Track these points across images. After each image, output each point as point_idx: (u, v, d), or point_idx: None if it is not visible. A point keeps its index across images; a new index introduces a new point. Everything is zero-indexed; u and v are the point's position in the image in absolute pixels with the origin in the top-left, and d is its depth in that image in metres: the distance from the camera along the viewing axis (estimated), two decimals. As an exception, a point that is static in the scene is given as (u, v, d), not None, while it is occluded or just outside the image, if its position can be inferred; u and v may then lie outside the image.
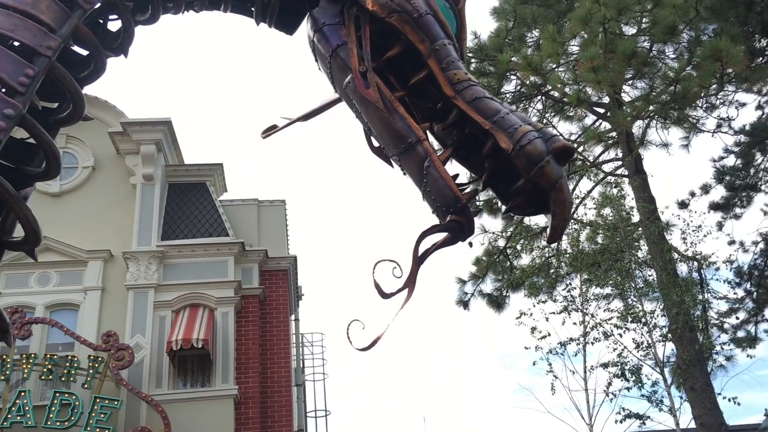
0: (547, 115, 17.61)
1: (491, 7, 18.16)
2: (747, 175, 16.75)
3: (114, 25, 2.78)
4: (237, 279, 13.98)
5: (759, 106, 18.23)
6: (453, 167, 2.58)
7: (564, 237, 17.03)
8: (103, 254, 14.03)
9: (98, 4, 2.41)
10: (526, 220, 17.42)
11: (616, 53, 14.14)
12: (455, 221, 2.38)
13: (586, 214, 16.14)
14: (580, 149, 17.04)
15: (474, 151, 2.52)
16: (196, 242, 14.29)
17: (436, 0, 2.69)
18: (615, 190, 15.91)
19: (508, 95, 17.30)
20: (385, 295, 2.43)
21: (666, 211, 15.76)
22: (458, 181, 2.49)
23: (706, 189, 17.07)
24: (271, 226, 15.55)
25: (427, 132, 2.60)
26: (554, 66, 16.38)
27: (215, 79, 62.17)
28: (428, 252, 2.45)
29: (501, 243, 17.71)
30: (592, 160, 17.27)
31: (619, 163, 17.12)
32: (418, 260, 2.42)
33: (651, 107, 15.30)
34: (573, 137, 17.62)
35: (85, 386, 12.17)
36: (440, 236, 2.46)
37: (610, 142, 17.52)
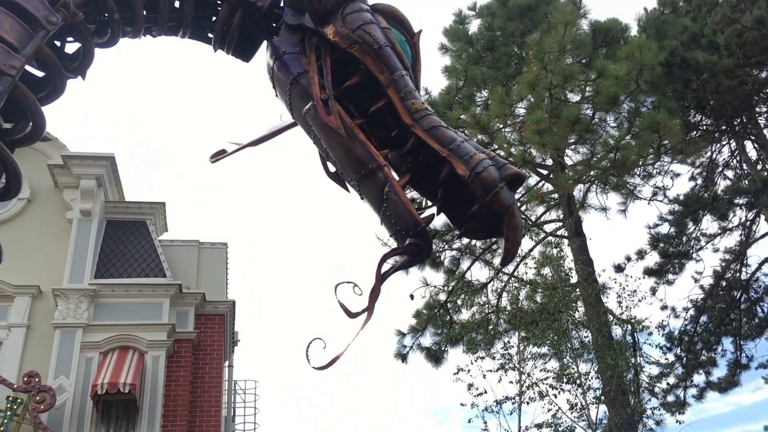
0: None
1: (443, 66, 18.69)
2: (680, 242, 17.33)
3: (71, 46, 2.77)
4: (171, 322, 13.56)
5: (692, 177, 19.04)
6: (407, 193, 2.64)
7: (504, 294, 17.28)
8: (31, 290, 13.45)
9: (60, 25, 2.40)
10: (467, 275, 17.60)
11: (561, 118, 14.65)
12: (414, 244, 2.43)
13: (526, 273, 16.38)
14: (523, 208, 17.39)
15: (427, 178, 2.60)
16: (130, 282, 13.85)
17: (393, 32, 2.80)
18: (555, 251, 16.23)
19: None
20: (351, 315, 2.45)
21: (603, 274, 16.15)
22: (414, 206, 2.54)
23: (641, 254, 17.58)
24: (210, 268, 15.24)
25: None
26: (501, 126, 16.83)
27: (166, 116, 61.55)
28: (388, 273, 2.49)
29: (442, 297, 17.75)
30: (534, 220, 17.62)
31: (560, 224, 17.52)
32: (380, 281, 2.46)
33: (592, 172, 15.81)
34: (517, 197, 17.93)
35: (1, 428, 11.48)
36: (399, 258, 2.52)
37: (552, 203, 17.94)
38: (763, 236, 18.71)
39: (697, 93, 15.95)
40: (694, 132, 17.88)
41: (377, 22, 2.76)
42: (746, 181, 18.24)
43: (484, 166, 2.38)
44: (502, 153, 17.01)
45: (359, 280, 2.52)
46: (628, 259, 17.58)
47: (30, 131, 2.39)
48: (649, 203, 16.79)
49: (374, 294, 2.46)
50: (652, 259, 17.81)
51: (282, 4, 2.97)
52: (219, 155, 3.57)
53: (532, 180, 17.95)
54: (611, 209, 16.88)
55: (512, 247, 2.49)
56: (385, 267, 2.50)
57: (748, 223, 17.88)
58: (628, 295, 15.43)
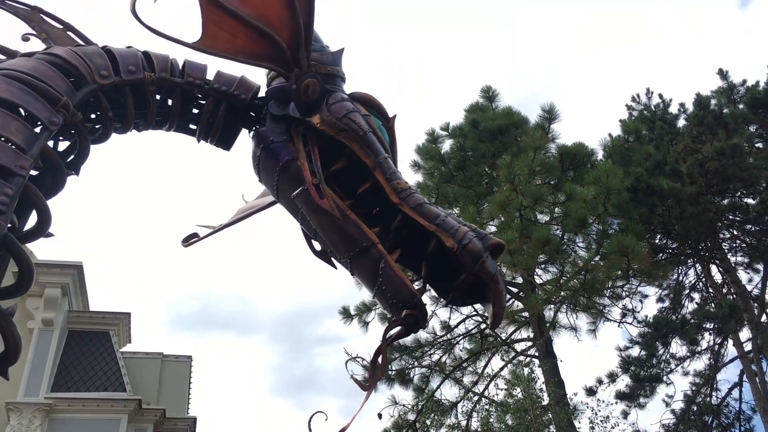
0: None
1: (415, 182, 19.04)
2: (651, 365, 17.28)
3: (63, 143, 2.87)
4: (128, 439, 12.96)
5: (660, 299, 19.27)
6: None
7: (473, 415, 16.89)
8: (-18, 403, 12.84)
9: (60, 125, 2.51)
10: (437, 394, 17.23)
11: (531, 239, 14.86)
12: (411, 315, 2.59)
13: (497, 394, 16.10)
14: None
15: (412, 252, 2.78)
16: (88, 396, 13.30)
17: (372, 118, 3.03)
18: (526, 370, 16.02)
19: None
20: (364, 387, 2.72)
21: (575, 398, 15.92)
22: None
23: (612, 377, 17.47)
24: (173, 383, 14.76)
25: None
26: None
27: (139, 226, 61.28)
28: (385, 343, 2.65)
29: (411, 417, 17.27)
30: (504, 338, 17.51)
31: (531, 343, 17.40)
32: (383, 352, 2.66)
33: (562, 293, 15.90)
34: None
35: None
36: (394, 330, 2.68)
37: (522, 321, 17.90)
38: (731, 360, 18.80)
39: (662, 218, 16.42)
40: (661, 255, 18.26)
41: (358, 110, 2.96)
42: (713, 305, 18.49)
43: (470, 238, 2.55)
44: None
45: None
46: (600, 381, 17.44)
47: (36, 227, 2.47)
48: (619, 326, 16.84)
49: (383, 366, 2.69)
50: (624, 382, 17.70)
51: (262, 96, 3.14)
52: (191, 239, 3.62)
53: (503, 298, 17.93)
54: (581, 330, 16.88)
55: (499, 311, 2.61)
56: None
57: (716, 347, 17.97)
58: (601, 420, 15.17)
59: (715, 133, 17.72)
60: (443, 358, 18.02)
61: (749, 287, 19.29)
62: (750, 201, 19.03)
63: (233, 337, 63.95)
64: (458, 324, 17.91)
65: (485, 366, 17.49)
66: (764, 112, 20.00)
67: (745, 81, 21.12)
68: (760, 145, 20.30)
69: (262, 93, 3.18)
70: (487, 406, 15.47)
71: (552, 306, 16.72)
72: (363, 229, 2.68)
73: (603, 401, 15.98)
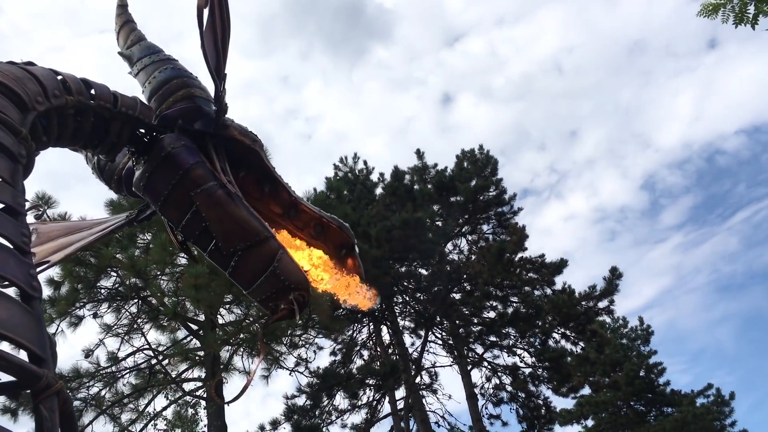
0: (139, 320, 16.84)
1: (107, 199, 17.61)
2: (313, 416, 17.79)
3: None
4: None
5: (333, 352, 20.11)
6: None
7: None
8: None
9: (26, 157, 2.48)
10: (87, 431, 15.72)
11: (220, 276, 14.52)
12: (301, 294, 3.01)
13: (155, 435, 15.16)
14: (165, 362, 16.45)
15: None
16: None
17: None
18: (191, 411, 15.40)
19: (102, 290, 16.28)
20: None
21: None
22: None
23: (275, 425, 17.57)
24: None
25: None
26: (159, 273, 16.11)
27: None
28: (271, 321, 3.14)
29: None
30: (174, 376, 16.69)
31: (200, 384, 16.85)
32: (268, 324, 3.30)
33: (241, 335, 15.73)
34: (161, 348, 17.00)
35: None
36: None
37: (196, 360, 17.28)
38: (385, 416, 20.20)
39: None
40: (341, 310, 19.15)
41: None
42: (378, 363, 19.80)
43: (340, 221, 3.48)
44: (155, 301, 16.20)
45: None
46: (262, 428, 17.44)
47: None
48: (290, 374, 17.12)
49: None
50: (286, 430, 17.93)
51: (163, 116, 3.34)
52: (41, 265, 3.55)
53: (181, 334, 17.25)
54: (255, 375, 16.79)
55: (361, 266, 3.52)
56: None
57: (375, 402, 19.18)
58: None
59: (404, 204, 19.33)
60: (103, 392, 16.55)
61: (410, 350, 21.11)
62: (423, 272, 21.01)
63: None
64: (127, 356, 16.66)
65: (148, 404, 16.44)
66: (447, 194, 22.47)
67: (436, 164, 23.61)
68: (439, 223, 22.68)
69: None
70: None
71: (229, 348, 16.44)
72: (263, 223, 3.05)
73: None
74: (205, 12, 2.99)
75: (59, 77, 2.90)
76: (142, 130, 3.22)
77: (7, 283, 1.90)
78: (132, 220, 3.60)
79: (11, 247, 1.99)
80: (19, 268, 1.92)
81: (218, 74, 3.11)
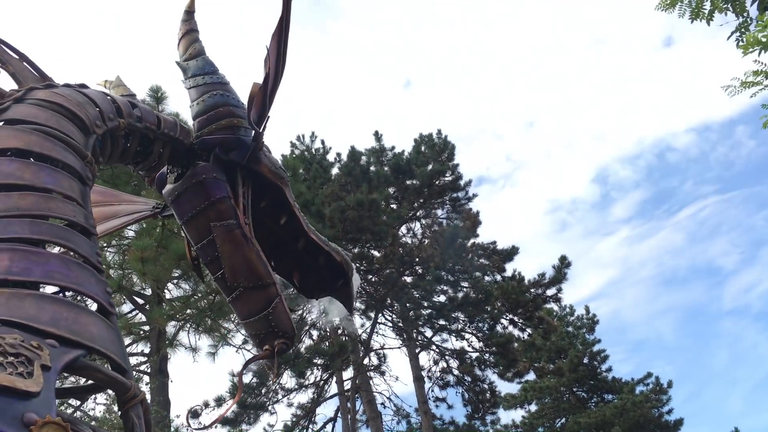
0: (83, 292, 16.45)
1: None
2: (259, 394, 17.68)
3: None
4: None
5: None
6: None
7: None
8: None
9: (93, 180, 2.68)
10: None
11: (169, 250, 14.26)
12: (285, 343, 3.06)
13: (93, 409, 14.86)
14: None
15: (294, 264, 3.57)
16: None
17: None
18: (134, 387, 15.09)
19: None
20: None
21: (176, 419, 15.49)
22: None
23: (219, 402, 17.44)
24: None
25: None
26: (105, 245, 15.74)
27: None
28: (250, 360, 3.26)
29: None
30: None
31: (144, 359, 16.57)
32: (248, 363, 3.33)
33: (189, 311, 15.49)
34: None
35: None
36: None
37: (141, 335, 16.99)
38: (332, 396, 20.22)
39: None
40: (291, 289, 19.02)
41: None
42: (326, 343, 19.78)
43: (346, 255, 3.48)
44: (99, 273, 15.82)
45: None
46: (207, 405, 17.28)
47: None
48: (237, 351, 16.96)
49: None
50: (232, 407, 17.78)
51: (200, 140, 3.41)
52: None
53: (126, 307, 16.91)
54: (202, 351, 16.59)
55: (355, 299, 3.59)
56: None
57: (321, 382, 19.16)
58: (198, 445, 14.91)
59: (360, 185, 19.23)
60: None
61: (360, 331, 21.12)
62: (375, 253, 20.99)
63: None
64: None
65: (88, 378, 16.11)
66: (403, 177, 22.46)
67: (393, 147, 23.57)
68: (394, 206, 22.67)
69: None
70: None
71: (176, 323, 16.18)
72: (269, 269, 3.11)
73: (206, 426, 15.77)
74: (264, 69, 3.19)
75: (108, 97, 3.07)
76: (181, 151, 3.41)
77: (90, 300, 2.11)
78: (157, 213, 3.72)
79: (90, 267, 2.17)
80: (99, 286, 2.10)
81: (261, 121, 3.33)
